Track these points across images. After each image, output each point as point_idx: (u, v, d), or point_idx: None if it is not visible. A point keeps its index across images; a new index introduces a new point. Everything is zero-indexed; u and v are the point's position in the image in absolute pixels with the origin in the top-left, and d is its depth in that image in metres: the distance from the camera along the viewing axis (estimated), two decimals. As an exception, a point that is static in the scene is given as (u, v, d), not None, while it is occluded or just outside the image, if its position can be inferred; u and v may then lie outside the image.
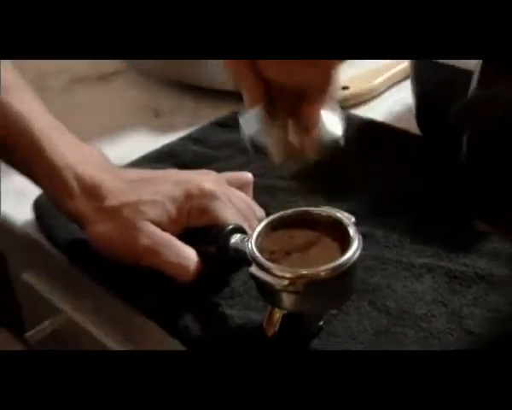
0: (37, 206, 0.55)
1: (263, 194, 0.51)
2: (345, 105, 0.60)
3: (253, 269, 0.41)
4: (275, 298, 0.41)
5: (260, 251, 0.41)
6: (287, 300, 0.41)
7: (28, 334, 0.55)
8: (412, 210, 0.50)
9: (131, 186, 0.47)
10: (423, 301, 0.43)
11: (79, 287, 0.51)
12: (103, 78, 0.74)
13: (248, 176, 0.50)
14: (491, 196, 0.47)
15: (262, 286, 0.41)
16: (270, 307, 0.42)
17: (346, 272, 0.40)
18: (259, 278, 0.41)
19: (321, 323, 0.42)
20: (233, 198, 0.47)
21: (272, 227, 0.44)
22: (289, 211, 0.45)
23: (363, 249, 0.41)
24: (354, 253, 0.40)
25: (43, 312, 0.55)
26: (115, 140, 0.63)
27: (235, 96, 0.49)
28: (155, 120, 0.65)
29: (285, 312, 0.42)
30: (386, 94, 0.65)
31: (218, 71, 0.63)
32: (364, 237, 0.43)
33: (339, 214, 0.43)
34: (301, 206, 0.45)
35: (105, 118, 0.66)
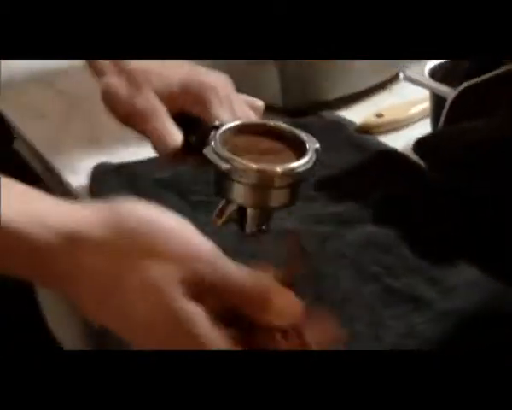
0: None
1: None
2: (376, 131, 0.66)
3: (207, 150, 0.45)
4: (220, 184, 0.45)
5: (223, 143, 0.45)
6: (235, 190, 0.44)
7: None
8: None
9: (150, 61, 0.52)
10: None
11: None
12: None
13: (260, 103, 0.54)
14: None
15: (214, 171, 0.45)
16: (222, 202, 0.46)
17: (293, 176, 0.44)
18: (209, 158, 0.44)
19: (263, 227, 0.46)
20: (234, 102, 0.51)
21: (241, 130, 0.48)
22: (260, 121, 0.50)
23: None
24: (305, 162, 0.44)
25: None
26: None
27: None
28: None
29: (234, 207, 0.45)
30: (421, 123, 0.69)
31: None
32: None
33: (302, 132, 0.47)
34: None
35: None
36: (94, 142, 0.70)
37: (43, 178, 0.70)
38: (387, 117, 0.67)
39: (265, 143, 0.47)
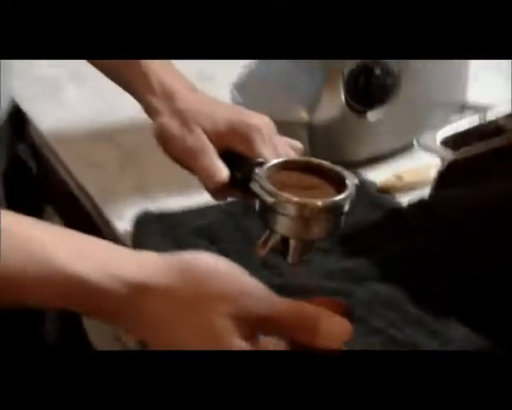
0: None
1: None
2: (395, 191, 0.70)
3: (253, 184, 0.48)
4: (265, 216, 0.47)
5: (268, 179, 0.48)
6: (278, 221, 0.47)
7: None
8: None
9: (199, 100, 0.57)
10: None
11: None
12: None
13: (299, 144, 0.57)
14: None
15: (259, 204, 0.48)
16: (266, 233, 0.48)
17: (334, 209, 0.46)
18: (255, 192, 0.47)
19: (304, 257, 0.49)
20: (276, 141, 0.54)
21: (284, 166, 0.51)
22: (303, 158, 0.53)
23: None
24: (345, 197, 0.47)
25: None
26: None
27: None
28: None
29: (278, 237, 0.47)
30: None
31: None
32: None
33: (342, 169, 0.49)
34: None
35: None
36: (141, 191, 0.75)
37: (97, 222, 0.75)
38: (406, 179, 0.71)
39: (307, 179, 0.50)
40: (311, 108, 0.74)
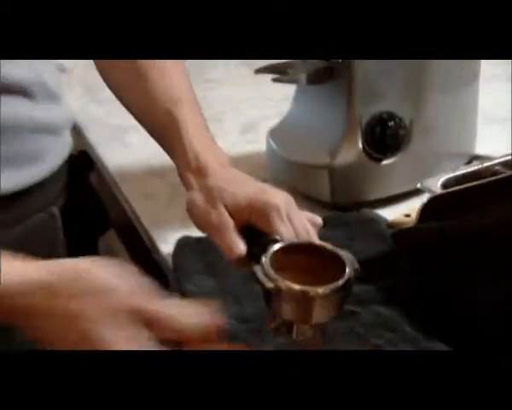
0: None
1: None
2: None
3: (257, 269, 0.48)
4: (271, 303, 0.47)
5: (272, 262, 0.47)
6: (280, 306, 0.46)
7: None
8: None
9: (226, 177, 0.59)
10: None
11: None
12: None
13: (319, 219, 0.59)
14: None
15: (264, 291, 0.47)
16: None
17: (333, 294, 0.45)
18: (259, 279, 0.47)
19: (308, 336, 0.48)
20: (294, 219, 0.54)
21: (289, 249, 0.51)
22: (306, 241, 0.52)
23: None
24: (343, 283, 0.46)
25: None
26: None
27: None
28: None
29: (281, 320, 0.47)
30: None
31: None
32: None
33: (343, 252, 0.49)
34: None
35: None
36: (184, 220, 0.73)
37: (147, 244, 0.81)
38: (413, 217, 0.71)
39: (309, 262, 0.50)
40: (333, 154, 0.77)
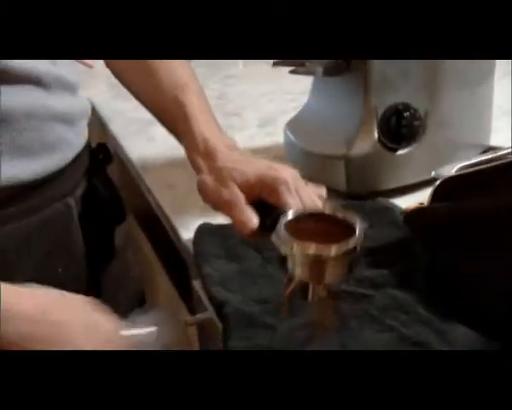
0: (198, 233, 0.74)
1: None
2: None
3: (273, 236, 0.50)
4: (288, 266, 0.49)
5: (286, 228, 0.50)
6: (296, 268, 0.49)
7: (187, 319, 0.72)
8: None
9: (235, 158, 0.60)
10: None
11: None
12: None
13: (324, 190, 0.60)
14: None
15: (280, 256, 0.50)
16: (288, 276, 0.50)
17: (345, 254, 0.48)
18: (273, 241, 0.49)
19: (323, 296, 0.50)
20: (301, 192, 0.56)
21: (301, 217, 0.53)
22: (317, 209, 0.55)
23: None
24: (354, 243, 0.48)
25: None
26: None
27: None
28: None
29: (297, 282, 0.49)
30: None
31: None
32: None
33: (352, 216, 0.52)
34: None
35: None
36: (204, 208, 0.74)
37: (168, 231, 0.84)
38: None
39: (321, 228, 0.52)
40: (349, 144, 0.78)
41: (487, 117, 0.87)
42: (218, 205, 0.59)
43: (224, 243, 0.72)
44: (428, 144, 0.80)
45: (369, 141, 0.78)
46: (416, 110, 0.78)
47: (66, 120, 0.63)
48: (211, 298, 0.64)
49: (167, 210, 0.83)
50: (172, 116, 0.66)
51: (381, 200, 0.78)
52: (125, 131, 1.08)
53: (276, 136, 1.03)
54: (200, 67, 1.48)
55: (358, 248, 0.49)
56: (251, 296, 0.63)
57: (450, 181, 0.60)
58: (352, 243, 0.49)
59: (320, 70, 0.79)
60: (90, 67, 1.30)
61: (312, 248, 0.48)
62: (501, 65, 0.89)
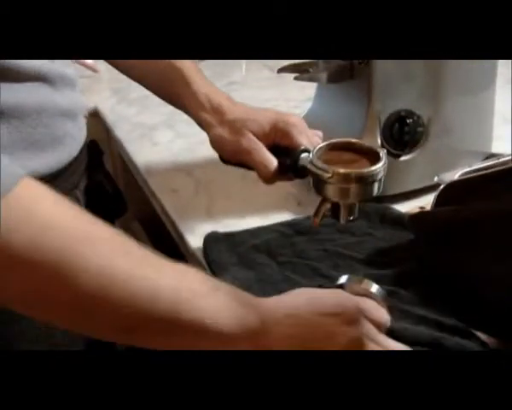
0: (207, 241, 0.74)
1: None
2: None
3: (308, 164, 0.55)
4: (321, 188, 0.55)
5: (319, 158, 0.55)
6: (330, 190, 0.54)
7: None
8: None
9: (243, 110, 0.63)
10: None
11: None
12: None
13: (320, 133, 0.65)
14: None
15: (314, 179, 0.55)
16: (318, 204, 0.56)
17: (369, 177, 0.53)
18: (311, 170, 0.54)
19: (351, 218, 0.56)
20: (308, 132, 0.62)
21: (328, 147, 0.58)
22: (342, 139, 0.59)
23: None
24: (377, 168, 0.54)
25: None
26: (263, 215, 0.79)
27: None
28: (297, 207, 0.82)
29: (328, 206, 0.55)
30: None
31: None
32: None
33: (374, 146, 0.57)
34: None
35: (259, 198, 0.84)
36: (209, 213, 0.82)
37: (173, 236, 0.83)
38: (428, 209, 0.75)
39: (349, 156, 0.57)
40: None
41: (489, 124, 0.88)
42: (239, 154, 0.61)
43: (234, 251, 0.72)
44: (431, 151, 0.80)
45: (372, 147, 0.78)
46: (419, 117, 0.79)
47: (70, 115, 0.64)
48: None
49: (173, 215, 0.83)
50: (170, 81, 0.66)
51: (385, 205, 0.79)
52: (130, 136, 1.08)
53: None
54: (205, 71, 1.50)
55: (383, 173, 0.54)
56: None
57: (453, 186, 0.60)
58: (378, 166, 0.54)
59: (324, 77, 0.79)
60: (95, 72, 1.30)
61: (343, 170, 0.53)
62: (502, 74, 0.88)
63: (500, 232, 0.52)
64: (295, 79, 0.79)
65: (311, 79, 0.80)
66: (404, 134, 0.78)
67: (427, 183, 0.80)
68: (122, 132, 1.10)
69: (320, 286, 0.61)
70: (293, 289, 0.62)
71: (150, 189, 0.91)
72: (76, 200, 0.66)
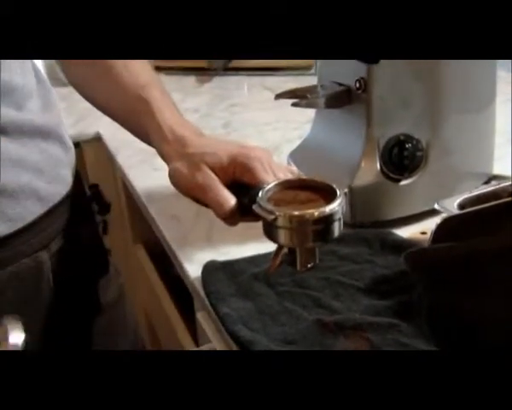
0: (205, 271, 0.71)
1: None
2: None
3: (255, 206, 0.49)
4: (272, 233, 0.49)
5: (268, 200, 0.49)
6: (282, 235, 0.48)
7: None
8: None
9: (204, 143, 0.58)
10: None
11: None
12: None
13: (295, 169, 0.61)
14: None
15: (264, 224, 0.49)
16: (275, 249, 0.50)
17: (328, 217, 0.47)
18: (257, 212, 0.48)
19: (309, 265, 0.49)
20: (274, 167, 0.55)
21: (281, 187, 0.52)
22: (296, 177, 0.54)
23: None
24: (336, 206, 0.48)
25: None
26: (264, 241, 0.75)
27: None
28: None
29: (285, 251, 0.49)
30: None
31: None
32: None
33: (329, 183, 0.51)
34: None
35: (259, 224, 0.79)
36: (208, 240, 0.79)
37: (173, 262, 0.80)
38: (429, 234, 0.70)
39: (302, 195, 0.51)
40: (352, 175, 0.76)
41: (490, 145, 0.85)
42: (193, 190, 0.56)
43: (233, 280, 0.69)
44: (431, 174, 0.78)
45: (371, 172, 0.76)
46: (417, 141, 0.76)
47: (30, 167, 0.58)
48: (235, 337, 0.60)
49: (171, 241, 0.81)
50: (136, 114, 0.62)
51: (385, 230, 0.75)
52: (131, 161, 1.06)
53: (281, 163, 1.00)
54: (207, 94, 1.48)
55: (341, 211, 0.48)
56: (274, 336, 0.59)
57: (452, 219, 0.57)
58: (334, 205, 0.48)
59: (322, 102, 0.77)
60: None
61: (297, 212, 0.47)
62: (501, 92, 0.85)
63: (498, 270, 0.50)
64: (293, 105, 0.76)
65: (308, 105, 0.77)
66: (403, 158, 0.75)
67: (428, 207, 0.77)
68: (123, 157, 1.08)
69: (319, 320, 0.59)
70: (293, 320, 0.61)
71: (150, 215, 0.89)
72: (38, 264, 0.59)
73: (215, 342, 0.66)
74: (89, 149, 1.20)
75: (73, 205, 0.65)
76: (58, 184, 0.62)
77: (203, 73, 1.58)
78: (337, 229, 0.49)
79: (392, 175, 0.76)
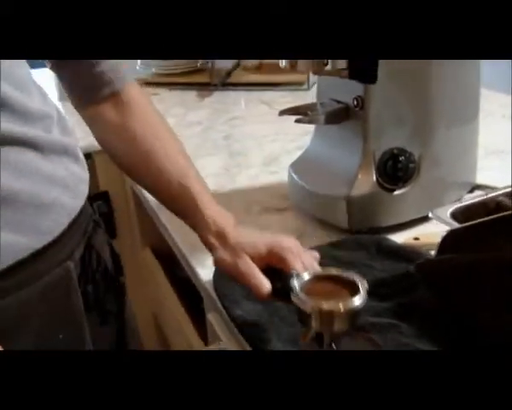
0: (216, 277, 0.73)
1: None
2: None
3: (293, 297, 0.56)
4: (304, 318, 0.54)
5: (302, 289, 0.56)
6: (312, 321, 0.54)
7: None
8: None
9: (244, 234, 0.65)
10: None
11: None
12: (280, 209, 0.92)
13: (317, 254, 0.65)
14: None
15: (297, 310, 0.55)
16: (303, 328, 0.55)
17: (351, 310, 0.53)
18: (294, 302, 0.55)
19: (334, 345, 0.54)
20: (303, 256, 0.62)
21: (313, 278, 0.58)
22: (326, 272, 0.59)
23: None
24: (359, 299, 0.53)
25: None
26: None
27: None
28: (300, 238, 0.79)
29: (313, 333, 0.53)
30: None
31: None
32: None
33: (356, 278, 0.56)
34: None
35: (267, 230, 0.81)
36: None
37: (185, 268, 0.83)
38: (422, 240, 0.76)
39: (330, 287, 0.57)
40: (350, 186, 0.78)
41: (473, 156, 0.88)
42: (237, 276, 0.63)
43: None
44: (422, 184, 0.81)
45: (368, 182, 0.78)
46: (410, 154, 0.79)
47: (59, 183, 0.60)
48: (250, 339, 0.63)
49: (183, 247, 0.83)
50: (179, 200, 0.68)
51: (381, 236, 0.79)
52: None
53: (280, 174, 1.04)
54: (208, 108, 1.51)
55: (363, 304, 0.54)
56: (287, 337, 0.62)
57: (456, 232, 0.59)
58: (357, 299, 0.54)
59: (322, 119, 0.80)
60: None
61: (326, 306, 0.53)
62: (483, 109, 0.89)
63: (501, 282, 0.51)
64: (296, 121, 0.79)
65: (310, 122, 0.81)
66: (397, 170, 0.78)
67: (420, 214, 0.80)
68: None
69: None
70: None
71: (162, 222, 0.91)
72: (67, 272, 0.62)
73: (226, 341, 0.69)
74: (100, 159, 1.23)
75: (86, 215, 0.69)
76: (78, 199, 0.65)
77: (204, 88, 1.61)
78: (358, 317, 0.55)
79: (386, 185, 0.79)
